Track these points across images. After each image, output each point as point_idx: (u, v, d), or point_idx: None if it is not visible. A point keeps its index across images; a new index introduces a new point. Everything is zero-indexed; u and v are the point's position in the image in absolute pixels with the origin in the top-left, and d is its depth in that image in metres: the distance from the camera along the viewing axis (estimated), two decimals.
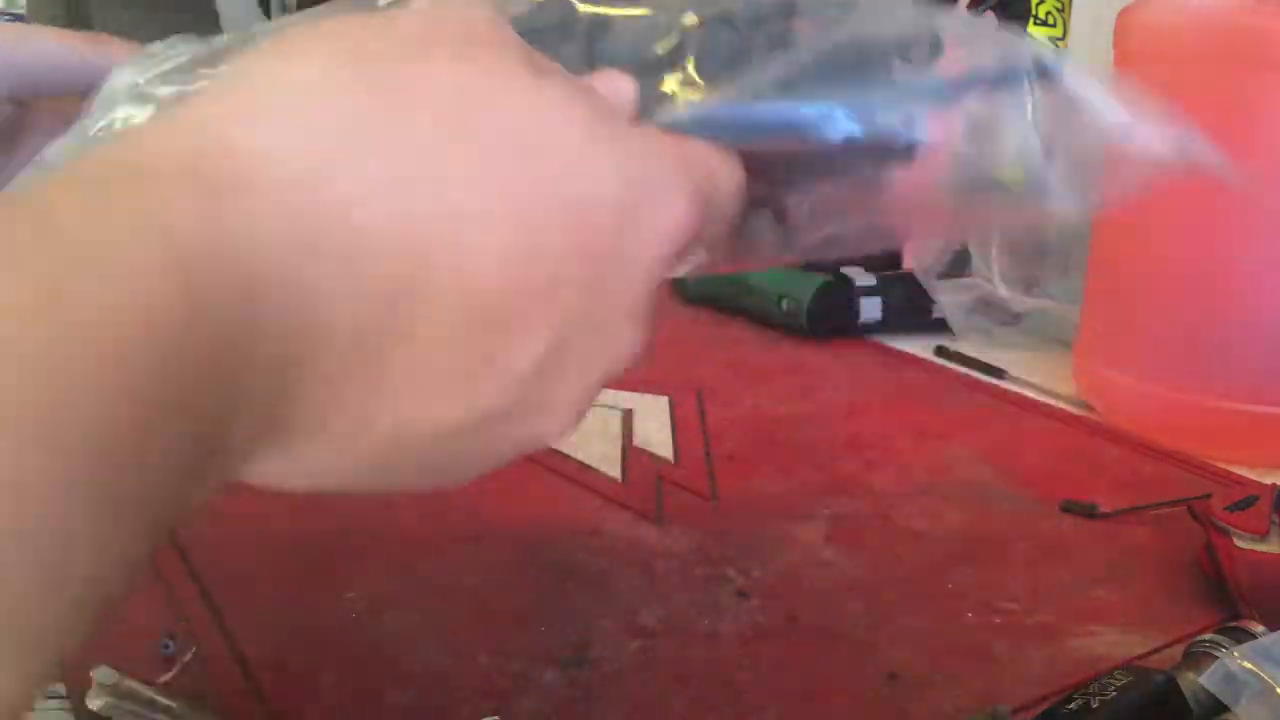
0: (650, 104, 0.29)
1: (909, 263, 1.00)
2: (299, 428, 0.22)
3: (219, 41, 0.34)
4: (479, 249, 0.22)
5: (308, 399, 0.22)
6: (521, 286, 0.23)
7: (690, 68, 0.30)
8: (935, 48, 0.32)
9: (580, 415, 0.27)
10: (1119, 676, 0.40)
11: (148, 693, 0.42)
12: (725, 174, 0.28)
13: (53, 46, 0.37)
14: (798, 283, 0.91)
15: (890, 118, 0.31)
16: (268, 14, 1.88)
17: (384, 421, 0.23)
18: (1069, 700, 0.40)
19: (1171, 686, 0.40)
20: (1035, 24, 1.01)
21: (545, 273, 0.23)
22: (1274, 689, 0.37)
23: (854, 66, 0.31)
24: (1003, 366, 0.84)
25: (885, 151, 0.32)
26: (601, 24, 0.31)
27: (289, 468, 0.23)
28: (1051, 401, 0.79)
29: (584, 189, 0.24)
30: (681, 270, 0.30)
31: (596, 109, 0.25)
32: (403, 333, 0.22)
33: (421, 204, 0.22)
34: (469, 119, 0.23)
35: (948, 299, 0.89)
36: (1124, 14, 0.71)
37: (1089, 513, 0.61)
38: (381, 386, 0.23)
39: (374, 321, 0.22)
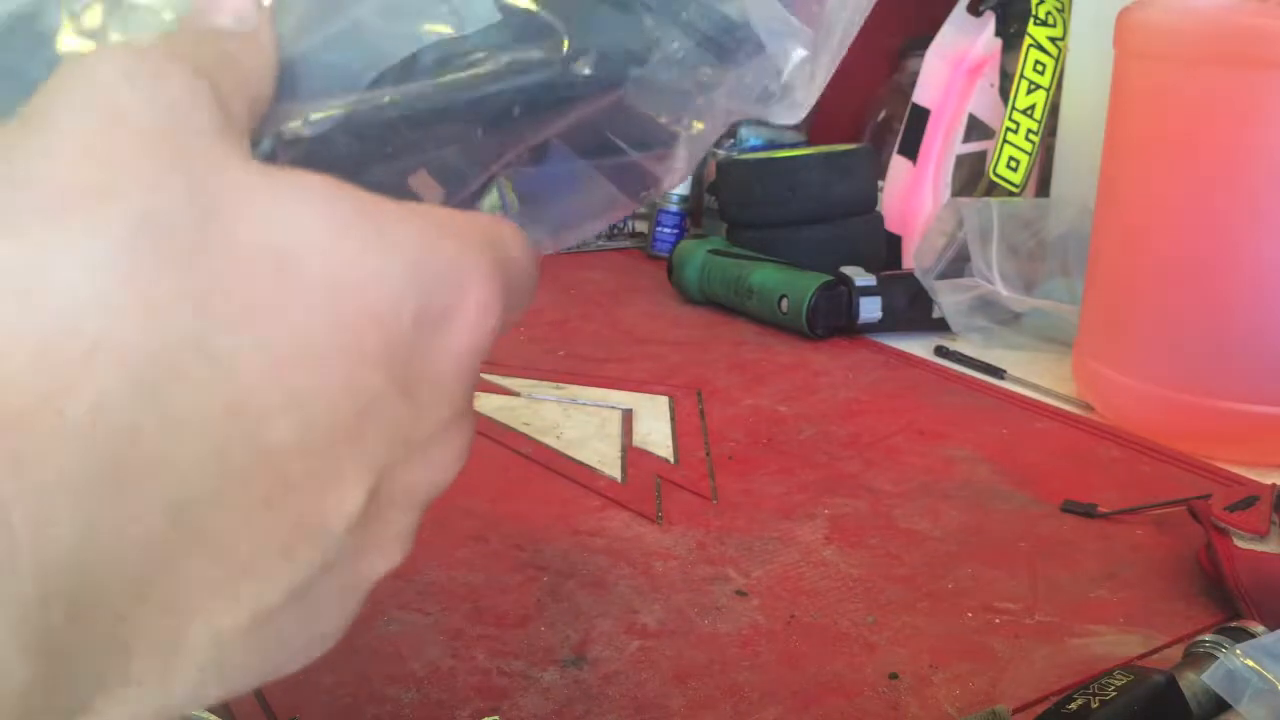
0: None
1: (909, 263, 1.00)
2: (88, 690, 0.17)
3: None
4: (263, 408, 0.18)
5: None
6: (321, 433, 0.19)
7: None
8: None
9: (411, 542, 0.23)
10: (1119, 676, 0.40)
11: None
12: (511, 236, 0.24)
13: None
14: (798, 283, 0.91)
15: None
16: None
17: (197, 634, 0.19)
18: (1069, 700, 0.40)
19: (1171, 686, 0.40)
20: (1035, 24, 1.01)
21: (345, 410, 0.20)
22: (1276, 687, 0.37)
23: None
24: (1003, 366, 0.84)
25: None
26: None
27: None
28: (1051, 401, 0.79)
29: (366, 299, 0.20)
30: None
31: (348, 194, 0.21)
32: (192, 538, 0.18)
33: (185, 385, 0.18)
34: (199, 248, 0.18)
35: (948, 299, 0.89)
36: (1124, 14, 0.71)
37: (1089, 513, 0.61)
38: (176, 604, 0.18)
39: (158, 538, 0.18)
